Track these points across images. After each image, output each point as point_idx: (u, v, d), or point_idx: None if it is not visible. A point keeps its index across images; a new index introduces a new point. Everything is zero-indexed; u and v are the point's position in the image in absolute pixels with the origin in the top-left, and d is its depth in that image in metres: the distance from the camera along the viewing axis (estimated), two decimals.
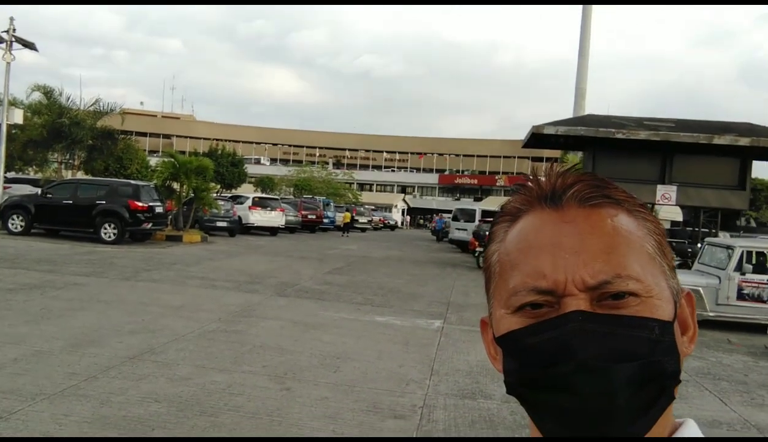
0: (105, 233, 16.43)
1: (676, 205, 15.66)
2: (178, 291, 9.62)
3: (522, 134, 17.99)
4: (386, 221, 52.34)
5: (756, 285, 9.65)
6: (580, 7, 34.92)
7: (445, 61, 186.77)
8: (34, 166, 29.01)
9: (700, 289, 9.53)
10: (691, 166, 14.29)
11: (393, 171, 79.11)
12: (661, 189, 14.24)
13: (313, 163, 63.71)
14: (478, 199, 63.20)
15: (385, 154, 78.59)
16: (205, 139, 68.24)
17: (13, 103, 24.64)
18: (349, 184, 61.73)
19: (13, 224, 16.86)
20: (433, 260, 20.88)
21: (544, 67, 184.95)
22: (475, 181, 74.80)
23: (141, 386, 4.78)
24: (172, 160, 20.70)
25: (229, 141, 63.04)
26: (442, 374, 5.90)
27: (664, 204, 14.87)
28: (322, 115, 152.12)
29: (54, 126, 24.49)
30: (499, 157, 74.17)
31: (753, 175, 17.51)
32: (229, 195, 29.74)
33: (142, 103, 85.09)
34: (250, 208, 26.05)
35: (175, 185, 20.59)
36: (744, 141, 13.42)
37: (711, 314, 9.58)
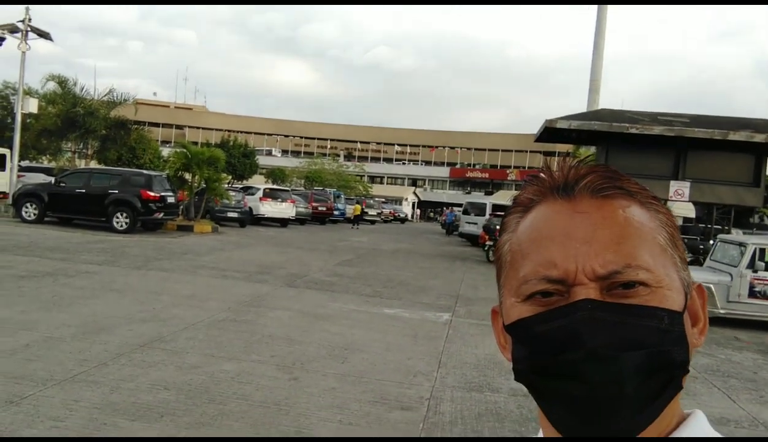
0: (117, 222, 16.57)
1: (689, 201, 15.52)
2: (188, 280, 9.68)
3: (534, 128, 17.87)
4: (396, 214, 52.33)
5: None
6: (595, 6, 34.59)
7: (457, 55, 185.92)
8: (47, 155, 29.26)
9: (712, 286, 9.46)
10: (705, 162, 14.14)
11: (404, 164, 79.02)
12: (674, 185, 14.12)
13: (324, 155, 63.76)
14: (489, 193, 63.01)
15: (396, 147, 78.50)
16: (217, 130, 68.46)
17: (28, 93, 24.83)
18: (360, 177, 61.76)
19: (26, 212, 17.04)
20: (443, 254, 20.87)
21: (557, 61, 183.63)
22: (486, 175, 74.59)
23: (151, 374, 4.83)
24: (185, 150, 20.79)
25: (241, 132, 63.26)
26: (449, 367, 5.91)
27: (677, 200, 14.74)
28: (333, 108, 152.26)
29: (68, 116, 24.67)
30: (511, 151, 73.88)
31: None
32: (241, 186, 29.88)
33: (155, 93, 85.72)
34: (261, 199, 26.14)
35: (187, 176, 20.70)
36: (760, 137, 13.25)
37: (722, 311, 9.51)
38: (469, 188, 73.88)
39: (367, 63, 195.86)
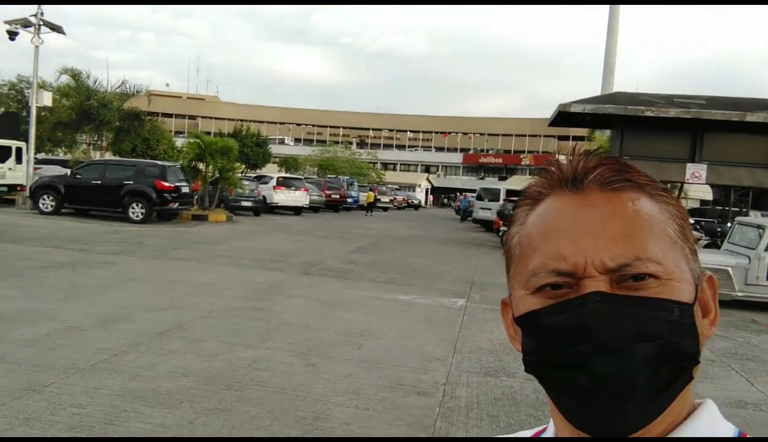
0: (133, 213, 16.73)
1: (706, 183, 15.35)
2: (204, 269, 9.77)
3: (548, 113, 17.74)
4: (410, 201, 52.26)
5: None
6: None
7: (469, 40, 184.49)
8: (63, 148, 29.56)
9: (729, 269, 9.37)
10: (722, 144, 13.95)
11: (417, 150, 78.80)
12: (690, 167, 13.95)
13: (336, 143, 63.83)
14: (502, 179, 62.65)
15: (408, 133, 78.24)
16: (229, 119, 68.60)
17: (42, 86, 25.03)
18: (373, 164, 61.71)
19: (43, 204, 17.26)
20: (457, 240, 20.84)
21: (571, 44, 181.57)
22: (500, 161, 74.13)
23: (169, 361, 4.89)
24: (198, 141, 20.91)
25: (254, 121, 63.31)
26: (465, 352, 5.92)
27: (693, 183, 14.58)
28: (346, 95, 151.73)
29: (82, 108, 24.89)
30: (525, 135, 73.33)
31: None
32: (254, 175, 30.00)
33: (167, 84, 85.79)
34: (274, 187, 26.25)
35: (201, 166, 20.83)
36: None
37: (740, 294, 9.42)
38: (482, 174, 73.50)
39: (379, 49, 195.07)
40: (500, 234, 19.35)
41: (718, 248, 12.06)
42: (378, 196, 38.94)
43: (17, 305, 6.36)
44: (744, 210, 15.83)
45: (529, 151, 71.90)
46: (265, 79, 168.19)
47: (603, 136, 26.54)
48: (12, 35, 20.55)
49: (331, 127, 78.51)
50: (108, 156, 26.21)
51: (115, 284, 7.98)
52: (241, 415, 3.93)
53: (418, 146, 79.12)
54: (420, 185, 67.65)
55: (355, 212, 34.95)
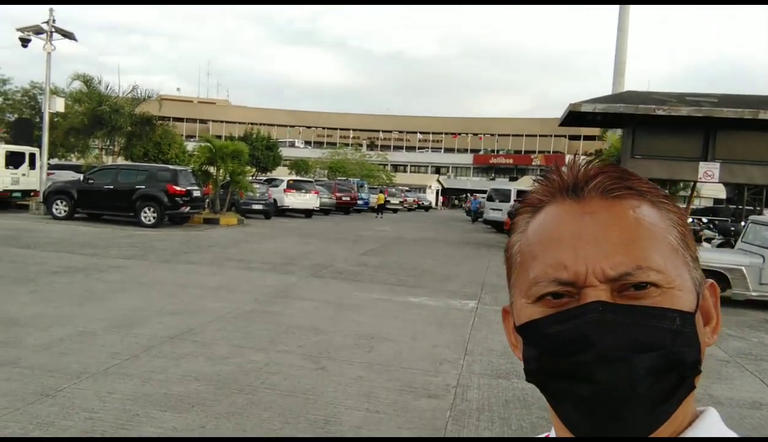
0: (145, 217, 16.86)
1: (719, 182, 15.21)
2: (215, 273, 9.81)
3: (558, 112, 17.67)
4: (420, 202, 52.23)
5: None
6: None
7: (479, 41, 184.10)
8: (75, 153, 29.82)
9: (743, 268, 9.28)
10: (735, 142, 13.82)
11: (427, 152, 78.73)
12: (703, 166, 13.84)
13: (346, 145, 63.88)
14: (513, 179, 62.49)
15: (418, 135, 78.21)
16: (240, 123, 68.90)
17: (55, 92, 25.28)
18: (383, 166, 61.72)
19: (57, 209, 17.43)
20: (468, 241, 20.79)
21: (581, 44, 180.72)
22: (511, 161, 73.90)
23: (181, 365, 4.91)
24: (209, 144, 21.03)
25: (264, 125, 63.53)
26: (476, 355, 5.91)
27: (706, 181, 14.46)
28: (355, 98, 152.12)
29: (94, 113, 25.07)
30: (535, 136, 73.07)
31: None
32: (265, 178, 30.11)
33: (178, 89, 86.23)
34: (285, 190, 26.34)
35: (212, 169, 20.95)
36: None
37: (754, 293, 9.32)
38: (493, 175, 73.31)
39: (389, 51, 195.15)
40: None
41: (732, 247, 11.94)
42: (388, 199, 38.96)
43: (31, 310, 6.42)
44: (758, 208, 15.68)
45: (539, 152, 71.61)
46: (274, 83, 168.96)
47: (614, 135, 26.38)
48: (24, 42, 20.79)
49: (341, 129, 78.65)
50: (120, 161, 26.41)
51: (127, 288, 8.03)
52: (253, 418, 3.94)
53: (428, 147, 79.07)
54: (430, 187, 67.57)
55: (365, 214, 34.98)
